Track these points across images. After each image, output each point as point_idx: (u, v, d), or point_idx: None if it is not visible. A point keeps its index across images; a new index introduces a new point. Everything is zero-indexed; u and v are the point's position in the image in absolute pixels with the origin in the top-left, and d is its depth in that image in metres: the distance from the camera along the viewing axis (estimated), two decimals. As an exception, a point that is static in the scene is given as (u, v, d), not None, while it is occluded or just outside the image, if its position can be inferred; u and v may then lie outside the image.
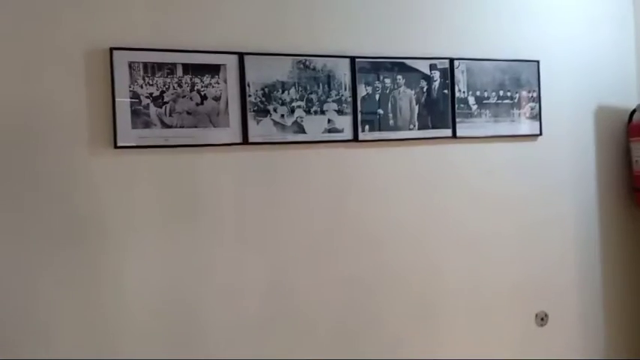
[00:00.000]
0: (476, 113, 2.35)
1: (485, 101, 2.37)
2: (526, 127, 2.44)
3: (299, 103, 2.09)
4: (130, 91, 1.86)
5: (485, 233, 2.40)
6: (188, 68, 1.94)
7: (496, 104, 2.38)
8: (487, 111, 2.37)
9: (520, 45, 2.44)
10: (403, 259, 2.25)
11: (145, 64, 1.89)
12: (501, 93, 2.39)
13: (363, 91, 2.18)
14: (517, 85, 2.42)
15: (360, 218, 2.19)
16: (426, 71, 2.28)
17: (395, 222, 2.25)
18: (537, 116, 2.45)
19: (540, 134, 2.47)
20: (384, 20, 2.23)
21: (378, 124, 2.20)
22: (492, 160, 2.41)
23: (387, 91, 2.22)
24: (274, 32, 2.08)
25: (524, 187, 2.45)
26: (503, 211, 2.42)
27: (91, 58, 1.84)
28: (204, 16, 1.99)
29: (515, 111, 2.42)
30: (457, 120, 2.31)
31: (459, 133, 2.32)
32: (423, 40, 2.29)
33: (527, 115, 2.43)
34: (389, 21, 2.24)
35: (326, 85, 2.12)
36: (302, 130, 2.09)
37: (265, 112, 2.04)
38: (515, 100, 2.42)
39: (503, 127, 2.39)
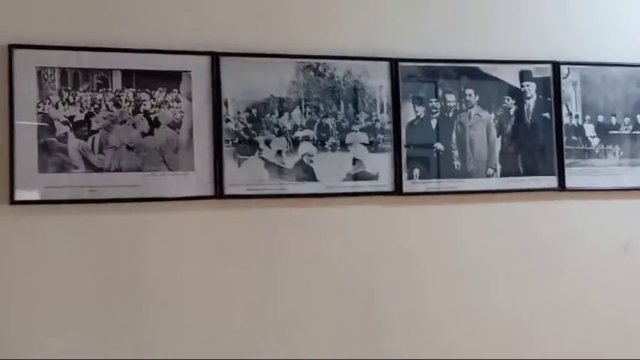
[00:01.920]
0: (598, 151, 2.03)
1: (612, 131, 2.04)
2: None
3: (307, 132, 1.81)
4: (39, 113, 1.61)
5: (618, 344, 1.96)
6: (130, 77, 1.68)
7: (631, 136, 2.04)
8: (616, 147, 2.04)
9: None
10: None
11: (63, 71, 1.63)
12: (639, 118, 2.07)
13: (410, 113, 1.89)
14: (666, 106, 2.13)
15: (405, 316, 1.86)
16: (515, 82, 1.97)
17: (463, 323, 1.90)
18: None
19: None
20: (443, 2, 1.95)
21: (435, 166, 1.91)
22: (628, 226, 2.04)
23: (450, 114, 1.93)
24: (267, 22, 1.81)
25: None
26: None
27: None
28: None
29: (665, 148, 2.13)
30: (566, 162, 1.98)
31: (569, 184, 1.98)
32: (508, 34, 1.98)
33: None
34: (452, 3, 1.94)
35: (350, 104, 1.85)
36: (311, 177, 1.81)
37: (252, 147, 1.77)
38: (664, 130, 2.12)
39: (645, 175, 2.12)
